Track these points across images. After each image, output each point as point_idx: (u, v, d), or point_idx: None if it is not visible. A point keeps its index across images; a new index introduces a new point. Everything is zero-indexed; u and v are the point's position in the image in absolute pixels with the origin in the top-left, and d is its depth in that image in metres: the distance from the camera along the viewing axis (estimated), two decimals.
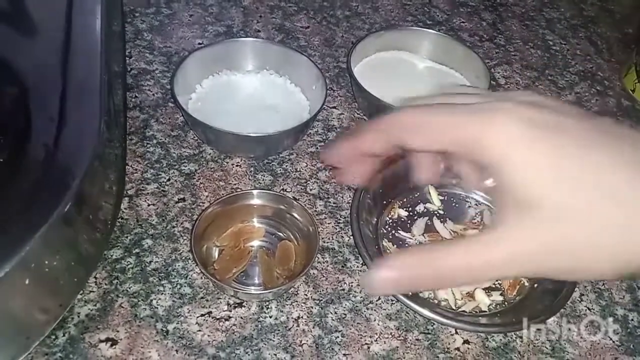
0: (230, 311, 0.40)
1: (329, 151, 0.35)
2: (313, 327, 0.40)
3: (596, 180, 0.26)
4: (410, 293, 0.41)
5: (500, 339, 0.41)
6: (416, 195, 0.50)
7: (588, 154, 0.27)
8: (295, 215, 0.44)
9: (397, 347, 0.39)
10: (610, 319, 0.43)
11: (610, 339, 0.42)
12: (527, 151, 0.27)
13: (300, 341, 0.39)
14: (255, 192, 0.44)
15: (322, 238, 0.45)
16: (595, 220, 0.26)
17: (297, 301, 0.41)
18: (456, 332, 0.41)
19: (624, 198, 0.26)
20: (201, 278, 0.41)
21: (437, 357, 0.39)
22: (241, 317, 0.39)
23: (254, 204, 0.44)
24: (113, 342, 0.37)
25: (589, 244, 0.26)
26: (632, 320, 0.43)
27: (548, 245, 0.27)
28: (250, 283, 0.42)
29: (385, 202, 0.48)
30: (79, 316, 0.38)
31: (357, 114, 0.57)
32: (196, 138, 0.52)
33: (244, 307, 0.40)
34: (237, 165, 0.50)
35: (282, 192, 0.48)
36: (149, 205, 0.45)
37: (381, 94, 0.51)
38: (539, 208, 0.26)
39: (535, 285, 0.43)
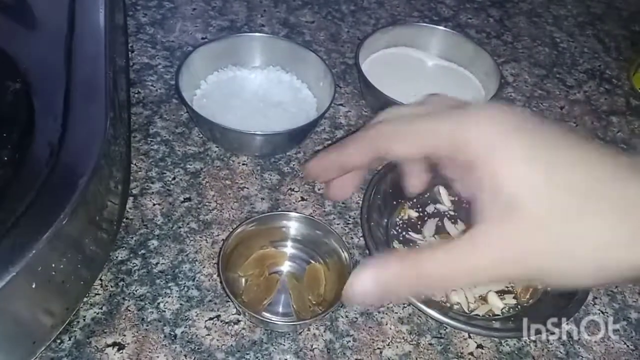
0: (239, 315, 0.39)
1: (311, 166, 0.34)
2: (324, 331, 0.39)
3: (586, 191, 0.25)
4: (423, 297, 0.41)
5: (514, 344, 0.40)
6: (426, 195, 0.49)
7: (577, 161, 0.25)
8: (322, 238, 0.41)
9: (410, 351, 0.39)
10: (624, 323, 0.42)
11: (625, 343, 0.41)
12: (510, 149, 0.26)
13: (311, 345, 0.38)
14: (274, 214, 0.43)
15: None
16: (578, 232, 0.25)
17: None
18: (469, 337, 0.40)
19: (613, 214, 0.24)
20: (209, 280, 0.40)
21: None
22: (250, 321, 0.38)
23: (274, 227, 0.42)
24: (120, 346, 0.36)
25: (569, 255, 0.25)
26: None
27: (526, 253, 0.25)
28: (279, 311, 0.40)
29: (395, 202, 0.47)
30: (84, 320, 0.37)
31: (365, 111, 0.56)
32: (201, 135, 0.50)
33: None
34: (243, 164, 0.49)
35: (290, 190, 0.47)
36: (154, 204, 0.44)
37: (389, 91, 0.51)
38: (523, 213, 0.25)
39: (549, 288, 0.43)
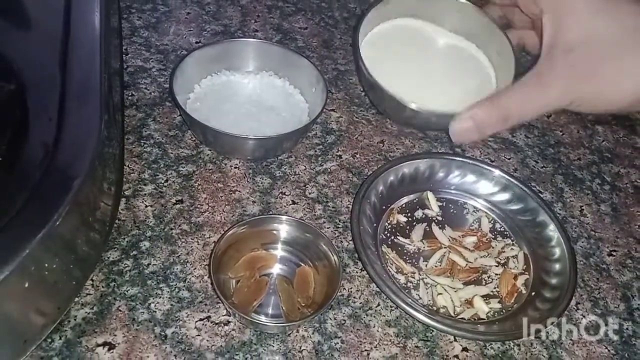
0: (229, 316, 0.39)
1: None
2: (312, 333, 0.39)
3: (634, 40, 0.36)
4: (410, 301, 0.41)
5: (499, 347, 0.41)
6: (415, 200, 0.50)
7: (627, 15, 0.37)
8: (312, 241, 0.42)
9: (397, 354, 0.39)
10: (606, 328, 0.43)
11: (606, 347, 0.42)
12: (572, 2, 0.37)
13: (300, 347, 0.39)
14: (265, 217, 0.44)
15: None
16: (626, 69, 0.37)
17: None
18: (455, 340, 0.41)
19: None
20: (200, 282, 0.41)
21: None
22: (240, 322, 0.39)
23: (265, 230, 0.43)
24: (110, 346, 0.36)
25: (614, 83, 0.37)
26: (627, 329, 0.44)
27: (581, 85, 0.37)
28: (268, 313, 0.40)
29: (384, 207, 0.48)
30: (75, 319, 0.37)
31: (356, 117, 0.57)
32: (194, 138, 0.51)
33: None
34: (235, 167, 0.49)
35: (281, 194, 0.48)
36: (146, 206, 0.45)
37: (388, 70, 0.46)
38: (582, 53, 0.37)
39: (533, 293, 0.44)
